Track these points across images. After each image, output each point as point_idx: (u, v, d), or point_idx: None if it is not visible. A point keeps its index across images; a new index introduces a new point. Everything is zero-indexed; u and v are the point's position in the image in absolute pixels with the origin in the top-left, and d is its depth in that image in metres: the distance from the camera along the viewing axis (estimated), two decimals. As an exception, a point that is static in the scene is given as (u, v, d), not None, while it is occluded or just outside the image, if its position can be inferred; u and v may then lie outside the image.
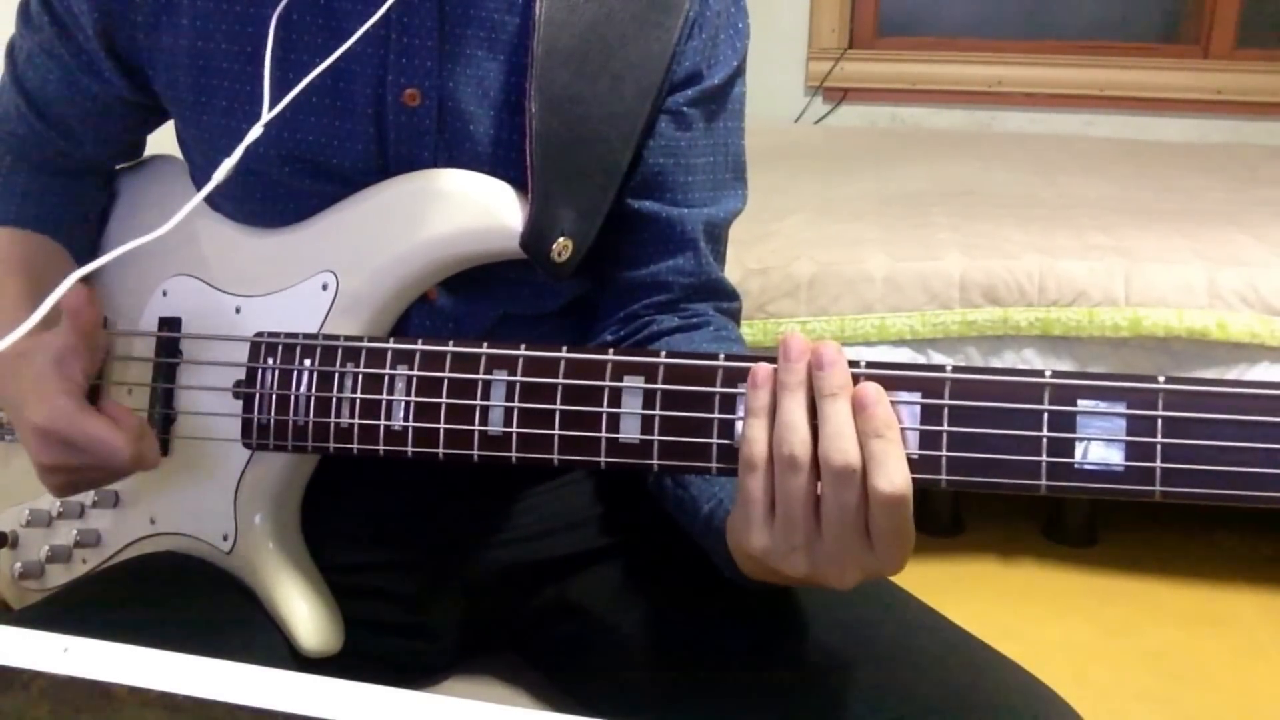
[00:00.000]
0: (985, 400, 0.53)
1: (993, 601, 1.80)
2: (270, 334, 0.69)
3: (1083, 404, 0.52)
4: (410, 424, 0.63)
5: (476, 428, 0.62)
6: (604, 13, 0.70)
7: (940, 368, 0.54)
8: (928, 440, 0.53)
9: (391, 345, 0.65)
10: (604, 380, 0.59)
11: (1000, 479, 0.53)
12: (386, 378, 0.64)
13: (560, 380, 0.60)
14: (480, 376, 0.62)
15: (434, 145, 0.71)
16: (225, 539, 0.72)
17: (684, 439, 0.58)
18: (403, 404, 0.64)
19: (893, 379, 0.54)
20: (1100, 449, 0.52)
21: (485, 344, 0.62)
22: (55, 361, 0.66)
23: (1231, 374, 1.70)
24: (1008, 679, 0.65)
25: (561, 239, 0.70)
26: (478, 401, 0.62)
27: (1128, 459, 0.51)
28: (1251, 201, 2.14)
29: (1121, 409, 0.51)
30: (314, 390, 0.66)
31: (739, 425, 0.57)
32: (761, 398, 0.54)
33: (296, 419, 0.67)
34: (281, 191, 0.72)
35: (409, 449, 0.64)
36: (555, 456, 0.60)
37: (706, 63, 0.75)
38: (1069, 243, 1.83)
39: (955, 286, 1.75)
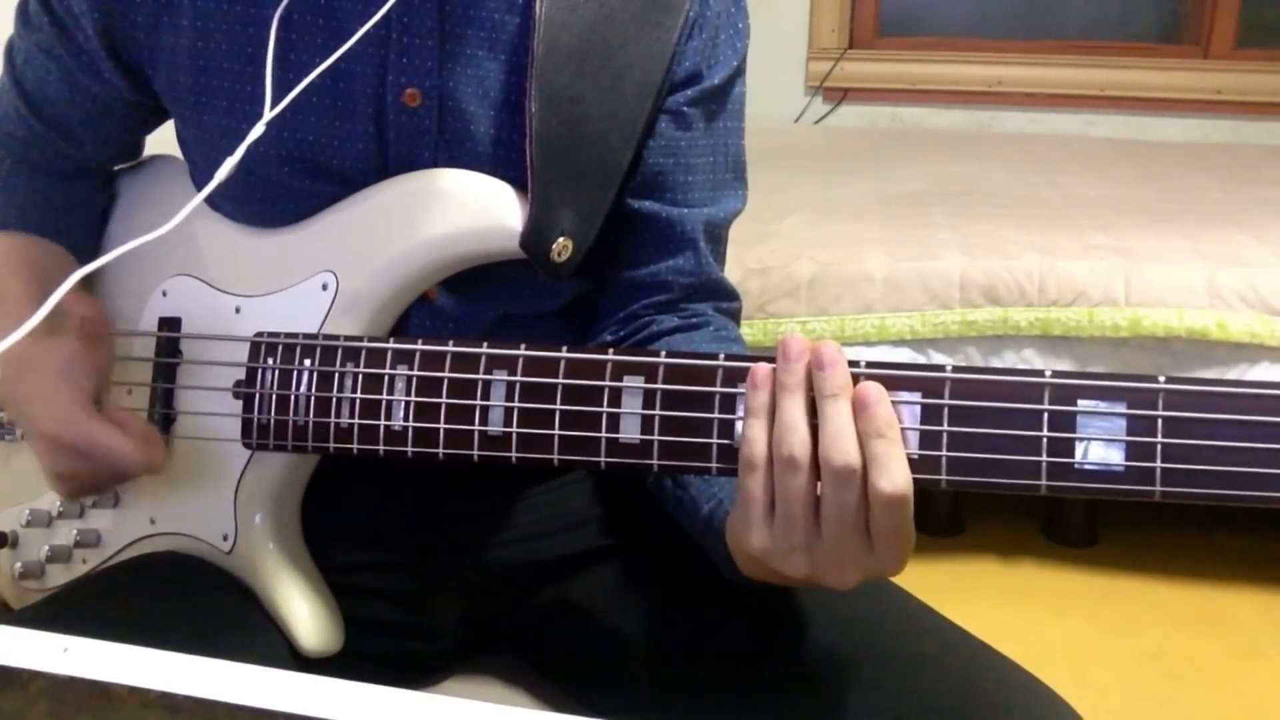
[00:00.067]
0: (985, 400, 0.53)
1: (993, 601, 1.80)
2: (270, 334, 0.69)
3: (1083, 404, 0.52)
4: (410, 424, 0.63)
5: (476, 428, 0.62)
6: (604, 13, 0.70)
7: (940, 367, 0.54)
8: (928, 440, 0.53)
9: (391, 345, 0.65)
10: (604, 380, 0.59)
11: (1000, 479, 0.53)
12: (386, 378, 0.64)
13: (560, 380, 0.60)
14: (480, 376, 0.62)
15: (434, 145, 0.71)
16: (225, 539, 0.72)
17: (684, 439, 0.58)
18: (403, 404, 0.64)
19: (893, 379, 0.54)
20: (1100, 449, 0.52)
21: (485, 344, 0.62)
22: (63, 369, 0.67)
23: (1231, 374, 1.70)
24: (1008, 679, 0.65)
25: (561, 239, 0.70)
26: (478, 401, 0.62)
27: (1128, 459, 0.51)
28: (1251, 201, 2.14)
29: (1121, 409, 0.51)
30: (314, 390, 0.66)
31: (739, 425, 0.57)
32: (760, 398, 0.54)
33: (296, 419, 0.67)
34: (281, 191, 0.72)
35: (409, 449, 0.64)
36: (555, 456, 0.60)
37: (706, 63, 0.75)
38: (1069, 243, 1.83)
39: (955, 286, 1.75)
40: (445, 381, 0.63)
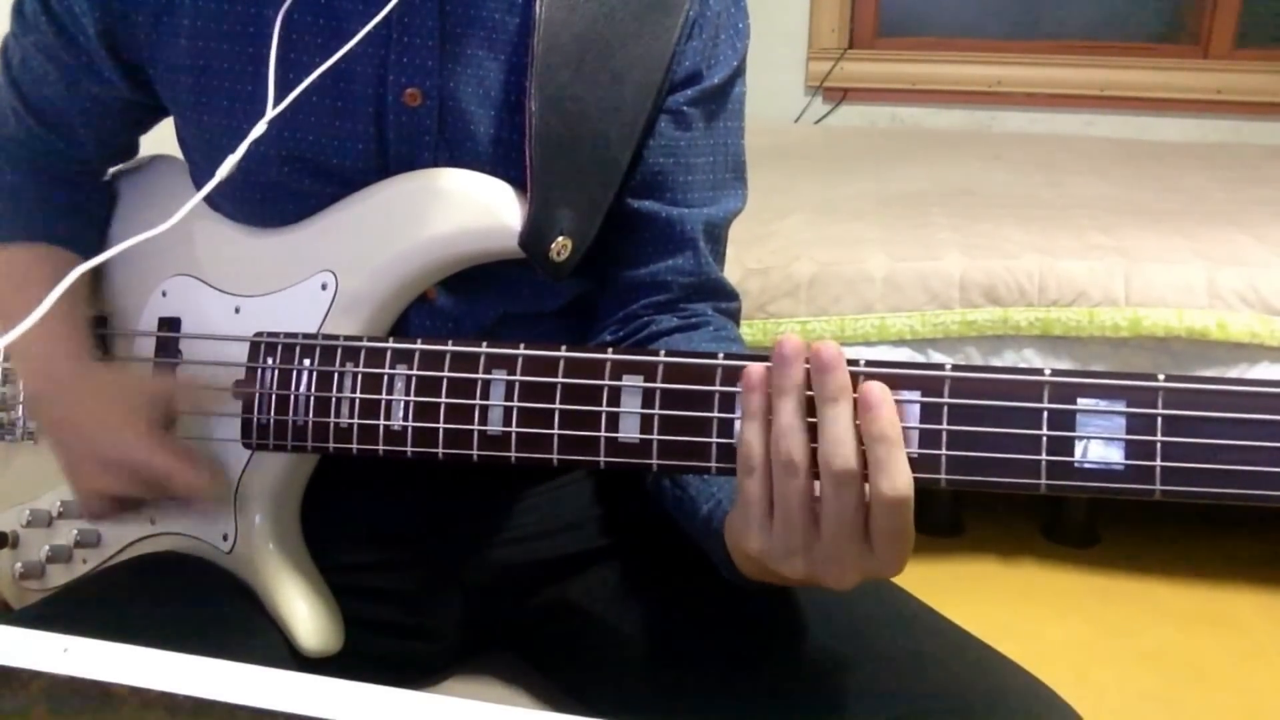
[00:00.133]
0: (985, 399, 0.53)
1: (993, 601, 1.80)
2: (270, 334, 0.69)
3: (1082, 402, 0.52)
4: (410, 424, 0.63)
5: (476, 427, 0.62)
6: (604, 12, 0.70)
7: (939, 366, 0.54)
8: (927, 439, 0.53)
9: (391, 345, 0.65)
10: (603, 379, 0.59)
11: (1000, 478, 0.53)
12: (386, 377, 0.64)
13: (560, 379, 0.60)
14: (480, 376, 0.62)
15: (434, 145, 0.71)
16: (225, 539, 0.72)
17: (683, 438, 0.58)
18: (402, 404, 0.64)
19: (892, 377, 0.54)
20: (1100, 448, 0.51)
21: (484, 343, 0.62)
22: (141, 397, 0.70)
23: (1231, 374, 1.70)
24: (1008, 679, 0.65)
25: (560, 238, 0.70)
26: (477, 401, 0.62)
27: (1127, 457, 0.51)
28: (1251, 201, 2.14)
29: (1121, 407, 0.51)
30: (313, 390, 0.66)
31: (738, 424, 0.57)
32: (755, 400, 0.54)
33: (296, 419, 0.67)
34: (281, 191, 0.72)
35: (408, 449, 0.64)
36: (555, 456, 0.60)
37: (706, 63, 0.75)
38: (1069, 243, 1.83)
39: (955, 286, 1.75)
40: (445, 381, 0.63)
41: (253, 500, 0.71)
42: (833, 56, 3.02)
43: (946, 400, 0.53)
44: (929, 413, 0.53)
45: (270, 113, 0.61)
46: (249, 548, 0.72)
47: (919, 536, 0.55)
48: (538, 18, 0.69)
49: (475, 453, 0.62)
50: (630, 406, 0.59)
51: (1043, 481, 0.52)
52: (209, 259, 0.75)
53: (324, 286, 0.71)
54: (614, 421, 0.59)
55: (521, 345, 0.62)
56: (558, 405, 0.60)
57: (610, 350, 0.60)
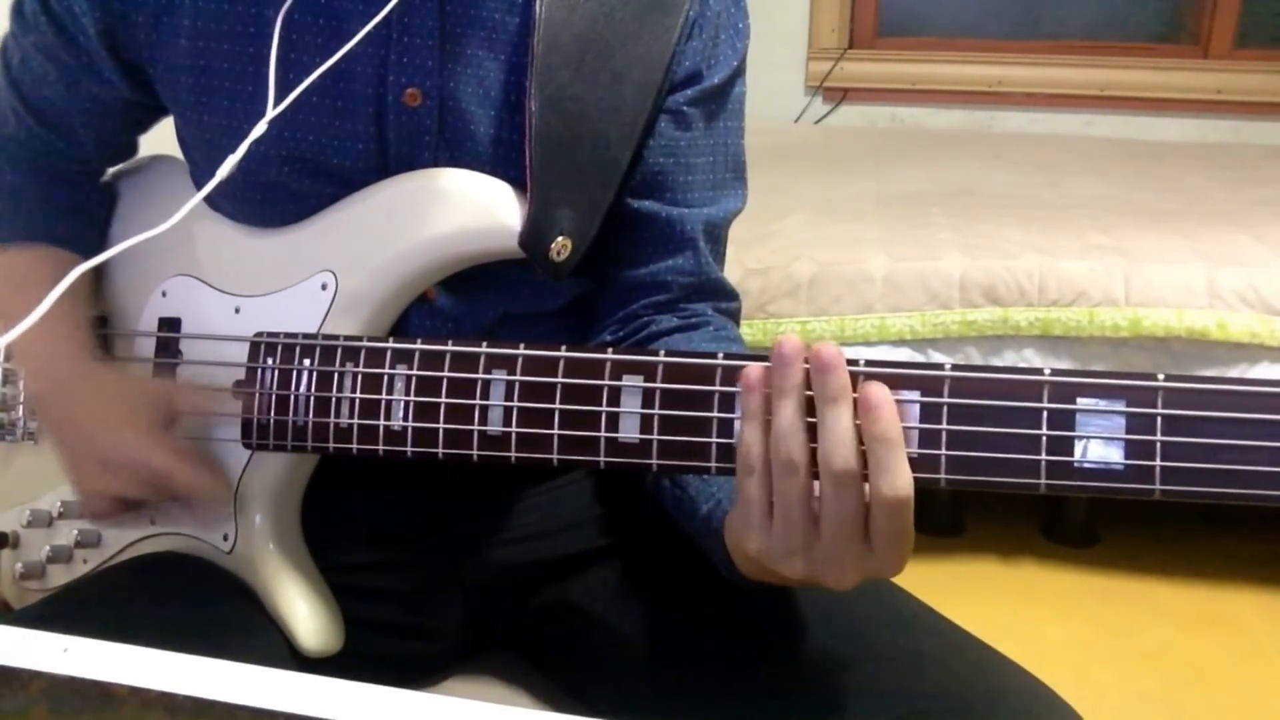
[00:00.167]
0: (984, 398, 0.53)
1: (993, 601, 1.80)
2: (270, 334, 0.69)
3: (1082, 402, 0.52)
4: (410, 424, 0.63)
5: (476, 427, 0.62)
6: (604, 12, 0.70)
7: (939, 366, 0.54)
8: (927, 439, 0.53)
9: (391, 345, 0.65)
10: (603, 379, 0.59)
11: (1000, 477, 0.53)
12: (386, 377, 0.64)
13: (560, 379, 0.60)
14: (480, 376, 0.62)
15: (434, 145, 0.71)
16: (225, 539, 0.72)
17: (683, 438, 0.58)
18: (402, 404, 0.64)
19: (892, 377, 0.54)
20: (1100, 447, 0.51)
21: (484, 343, 0.62)
22: (142, 398, 0.70)
23: (1232, 374, 1.70)
24: (1008, 679, 0.65)
25: (560, 238, 0.70)
26: (477, 401, 0.62)
27: (1127, 457, 0.51)
28: (1251, 201, 2.14)
29: (1121, 407, 0.51)
30: (313, 390, 0.66)
31: (738, 424, 0.57)
32: (754, 401, 0.54)
33: (296, 419, 0.67)
34: (281, 191, 0.72)
35: (408, 449, 0.64)
36: (555, 456, 0.60)
37: (706, 63, 0.75)
38: (1069, 243, 1.83)
39: (955, 286, 1.75)
40: (445, 381, 0.63)
41: (253, 500, 0.71)
42: (833, 56, 3.02)
43: (946, 400, 0.53)
44: (929, 413, 0.53)
45: (270, 113, 0.61)
46: (249, 548, 0.72)
47: (919, 536, 0.55)
48: (538, 18, 0.69)
49: (475, 453, 0.62)
50: (630, 406, 0.59)
51: (1043, 481, 0.52)
52: (209, 259, 0.75)
53: (324, 286, 0.71)
54: (614, 421, 0.59)
55: (521, 345, 0.62)
56: (558, 405, 0.60)
57: (610, 350, 0.60)
